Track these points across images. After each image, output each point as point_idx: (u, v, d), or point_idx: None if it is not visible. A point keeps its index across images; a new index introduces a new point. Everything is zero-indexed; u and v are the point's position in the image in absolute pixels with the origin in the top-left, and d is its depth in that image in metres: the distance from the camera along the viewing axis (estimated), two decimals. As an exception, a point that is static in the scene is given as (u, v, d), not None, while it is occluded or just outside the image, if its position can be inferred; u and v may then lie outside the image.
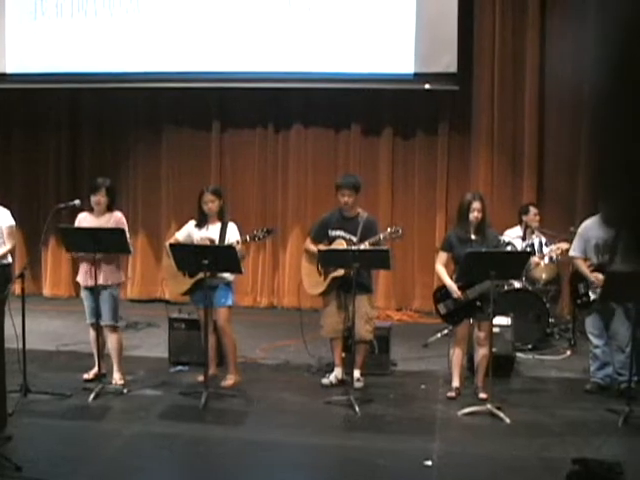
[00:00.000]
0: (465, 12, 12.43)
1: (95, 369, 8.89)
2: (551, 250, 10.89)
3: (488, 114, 12.85)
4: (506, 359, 9.44)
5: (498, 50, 12.71)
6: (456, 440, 7.59)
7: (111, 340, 8.97)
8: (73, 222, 9.11)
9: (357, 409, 8.14)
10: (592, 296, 8.82)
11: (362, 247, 8.57)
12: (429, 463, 6.94)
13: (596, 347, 8.96)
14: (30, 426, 7.69)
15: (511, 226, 11.38)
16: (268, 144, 13.64)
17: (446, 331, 10.34)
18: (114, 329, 8.98)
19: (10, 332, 7.69)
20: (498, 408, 8.09)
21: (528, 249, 10.82)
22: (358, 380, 8.92)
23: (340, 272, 8.78)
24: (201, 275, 8.51)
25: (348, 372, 8.86)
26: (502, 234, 10.47)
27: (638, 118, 2.79)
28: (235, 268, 8.52)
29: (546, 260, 11.08)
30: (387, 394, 8.86)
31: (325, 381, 9.14)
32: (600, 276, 8.58)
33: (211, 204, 8.91)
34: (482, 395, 8.52)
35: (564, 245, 10.45)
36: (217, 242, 8.79)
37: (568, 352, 10.67)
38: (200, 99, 13.50)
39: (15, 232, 9.46)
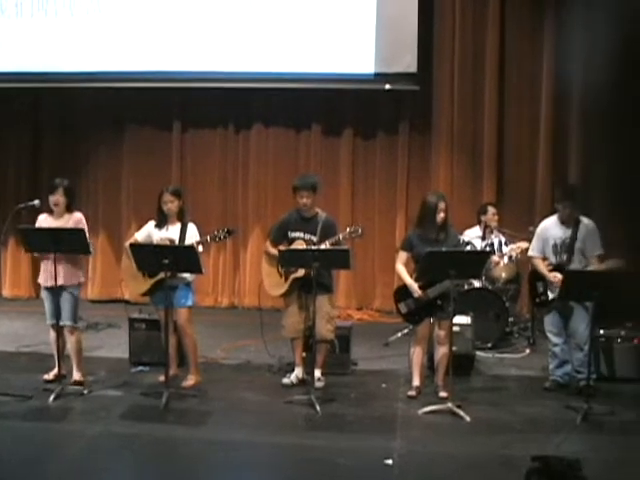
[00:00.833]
0: (425, 12, 12.47)
1: (55, 370, 8.83)
2: (511, 249, 10.96)
3: (448, 114, 12.90)
4: (466, 358, 9.49)
5: (458, 50, 12.76)
6: (417, 439, 7.62)
7: (71, 341, 8.92)
8: (33, 223, 9.04)
9: (318, 408, 8.16)
10: (550, 295, 8.90)
11: (322, 247, 8.60)
12: (390, 462, 6.97)
13: (555, 345, 9.04)
14: (-10, 428, 7.66)
15: (471, 226, 11.45)
16: (229, 144, 13.61)
17: (407, 330, 10.36)
18: (74, 330, 8.92)
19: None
20: (458, 406, 8.15)
21: (487, 249, 10.89)
22: (319, 380, 8.93)
23: (301, 273, 8.79)
24: (161, 275, 8.50)
25: (309, 372, 8.87)
26: (462, 234, 10.54)
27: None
28: (195, 268, 8.49)
29: (505, 259, 11.15)
30: (348, 393, 8.88)
31: (286, 381, 9.15)
32: (558, 275, 8.65)
33: (171, 204, 8.89)
34: (442, 394, 8.56)
35: (524, 244, 10.51)
36: (177, 243, 8.77)
37: (527, 350, 10.75)
38: (161, 99, 13.43)
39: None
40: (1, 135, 13.93)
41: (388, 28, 12.43)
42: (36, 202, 9.18)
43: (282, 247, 8.86)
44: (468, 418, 7.99)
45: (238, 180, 13.61)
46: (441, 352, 8.69)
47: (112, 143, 13.81)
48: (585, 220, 8.95)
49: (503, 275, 11.20)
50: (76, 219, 8.84)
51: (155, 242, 8.85)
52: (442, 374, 8.69)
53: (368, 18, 12.49)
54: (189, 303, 8.99)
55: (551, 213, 9.35)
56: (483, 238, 11.17)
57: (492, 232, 11.31)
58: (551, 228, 9.00)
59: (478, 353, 10.08)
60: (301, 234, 8.94)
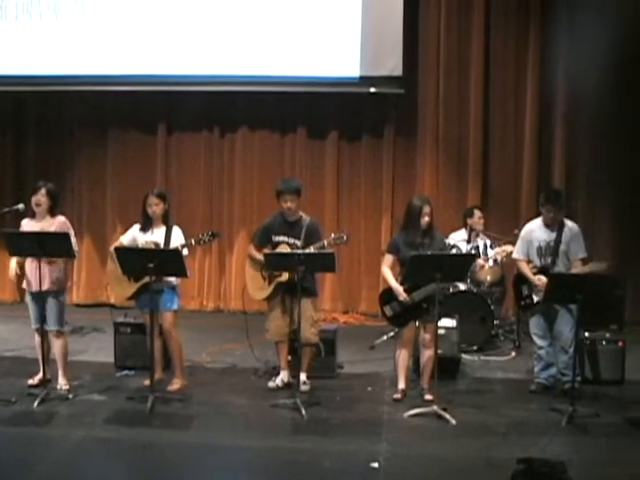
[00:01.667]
0: (411, 16, 12.51)
1: (40, 374, 8.80)
2: (496, 253, 10.97)
3: (433, 117, 12.93)
4: (452, 361, 9.50)
5: (443, 54, 12.80)
6: (402, 442, 7.62)
7: (56, 345, 8.89)
8: (17, 226, 9.00)
9: (303, 412, 8.16)
10: (535, 298, 8.91)
11: (307, 250, 8.59)
12: (375, 465, 6.98)
13: (540, 348, 9.06)
14: (-26, 433, 7.63)
15: (456, 229, 11.47)
16: (214, 147, 13.59)
17: (392, 333, 10.38)
18: (59, 334, 8.90)
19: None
20: (444, 409, 8.15)
21: (473, 252, 10.91)
22: (304, 383, 8.92)
23: (285, 277, 8.79)
24: (146, 279, 8.48)
25: (294, 375, 8.87)
26: (447, 237, 10.54)
27: None
28: (180, 272, 8.48)
29: (491, 262, 11.16)
30: (333, 397, 8.88)
31: (271, 384, 9.15)
32: (543, 278, 8.67)
33: (156, 207, 8.88)
34: (428, 397, 8.57)
35: (509, 247, 10.53)
36: (162, 246, 8.76)
37: (513, 353, 10.77)
38: (146, 102, 13.41)
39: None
40: (-17, 139, 13.89)
41: (373, 31, 12.46)
42: (20, 206, 9.17)
43: (267, 250, 8.85)
44: (454, 421, 7.99)
45: (223, 183, 13.60)
46: (426, 355, 8.70)
47: (96, 146, 13.76)
48: (569, 223, 8.98)
49: (488, 278, 11.22)
50: (59, 223, 8.81)
51: (140, 245, 8.84)
52: (427, 377, 8.70)
53: (353, 21, 12.51)
54: (174, 307, 8.98)
55: (536, 216, 9.38)
56: (468, 241, 11.19)
57: (478, 235, 11.33)
58: (535, 231, 9.02)
59: (463, 356, 10.10)
60: (285, 238, 8.93)
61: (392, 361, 9.15)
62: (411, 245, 8.56)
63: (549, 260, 8.88)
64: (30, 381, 8.98)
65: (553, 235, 8.91)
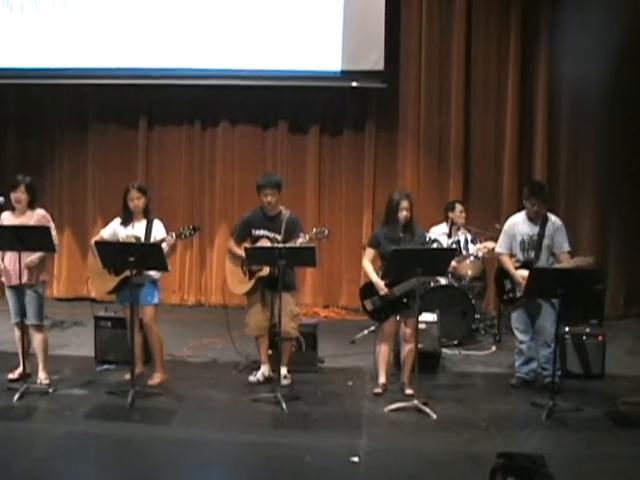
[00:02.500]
0: (392, 10, 12.52)
1: (20, 369, 8.79)
2: (477, 249, 10.95)
3: (415, 112, 12.95)
4: (432, 355, 9.51)
5: (425, 48, 12.82)
6: (383, 436, 7.63)
7: (36, 339, 8.85)
8: (-3, 220, 8.98)
9: (284, 406, 8.15)
10: (518, 292, 8.91)
11: (288, 245, 8.58)
12: (356, 459, 6.96)
13: (521, 342, 9.07)
14: (-47, 427, 7.59)
15: (437, 223, 11.47)
16: (195, 141, 13.57)
17: (373, 328, 10.37)
18: (39, 328, 8.85)
19: None
20: (424, 404, 8.15)
21: (454, 246, 10.92)
22: (285, 377, 8.93)
23: (266, 271, 8.79)
24: (127, 273, 8.45)
25: (275, 369, 8.86)
26: (428, 231, 10.54)
27: None
28: (161, 266, 8.45)
29: (472, 258, 11.17)
30: (314, 391, 8.88)
31: (252, 379, 9.14)
32: (525, 274, 8.67)
33: (137, 201, 8.86)
34: (408, 391, 8.57)
35: (490, 244, 10.51)
36: (143, 240, 8.74)
37: (493, 347, 10.80)
38: (127, 96, 13.37)
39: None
40: (-37, 132, 13.81)
41: (355, 26, 12.47)
42: (0, 199, 9.11)
43: (247, 245, 8.83)
44: (434, 415, 8.00)
45: (204, 177, 13.58)
46: (407, 349, 8.70)
47: (77, 140, 13.73)
48: (552, 217, 8.99)
49: (469, 272, 11.23)
50: (39, 216, 8.77)
51: (121, 239, 8.81)
52: (408, 371, 8.70)
53: (335, 16, 12.52)
54: (155, 301, 8.96)
55: (517, 210, 9.39)
56: (449, 235, 11.20)
57: (459, 229, 11.34)
58: (519, 224, 9.02)
59: (444, 350, 10.11)
60: (266, 232, 8.92)
61: (372, 356, 9.08)
62: (392, 239, 8.55)
63: (532, 254, 8.88)
64: (10, 375, 8.94)
65: (536, 229, 8.92)
